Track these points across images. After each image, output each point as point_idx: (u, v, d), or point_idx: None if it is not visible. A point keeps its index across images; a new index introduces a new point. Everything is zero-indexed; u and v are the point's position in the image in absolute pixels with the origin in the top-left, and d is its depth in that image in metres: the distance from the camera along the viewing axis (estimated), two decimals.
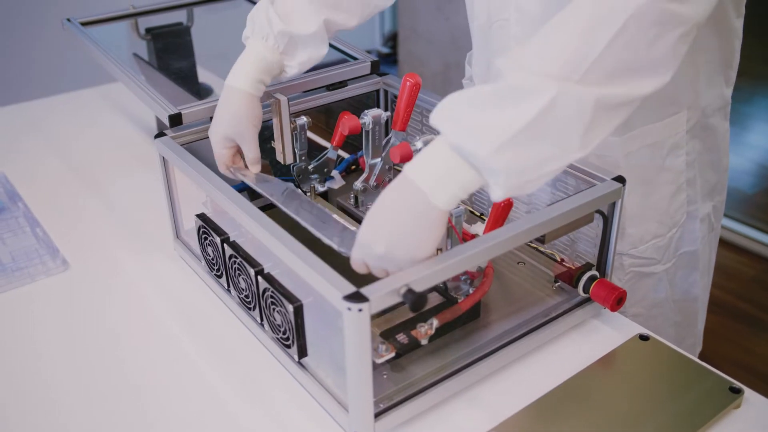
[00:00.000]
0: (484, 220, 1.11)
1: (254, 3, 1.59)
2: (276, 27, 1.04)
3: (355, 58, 1.29)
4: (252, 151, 1.05)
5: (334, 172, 1.18)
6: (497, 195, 0.75)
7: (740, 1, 1.05)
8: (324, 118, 1.35)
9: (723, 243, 2.76)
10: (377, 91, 1.28)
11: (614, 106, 0.74)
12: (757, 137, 3.22)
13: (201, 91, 1.62)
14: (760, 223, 2.76)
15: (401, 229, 0.78)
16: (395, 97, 1.26)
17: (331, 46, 1.38)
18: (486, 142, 0.72)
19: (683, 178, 1.11)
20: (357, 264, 0.83)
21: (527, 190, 0.76)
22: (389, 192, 0.80)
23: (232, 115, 1.04)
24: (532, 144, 0.72)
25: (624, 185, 0.93)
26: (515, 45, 1.08)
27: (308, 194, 1.14)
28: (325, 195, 1.17)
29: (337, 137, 1.14)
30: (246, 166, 1.08)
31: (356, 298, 0.73)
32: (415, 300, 0.74)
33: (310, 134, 1.49)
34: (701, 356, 1.33)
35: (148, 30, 1.54)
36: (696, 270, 1.21)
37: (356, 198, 1.13)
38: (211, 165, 1.11)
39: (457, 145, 0.74)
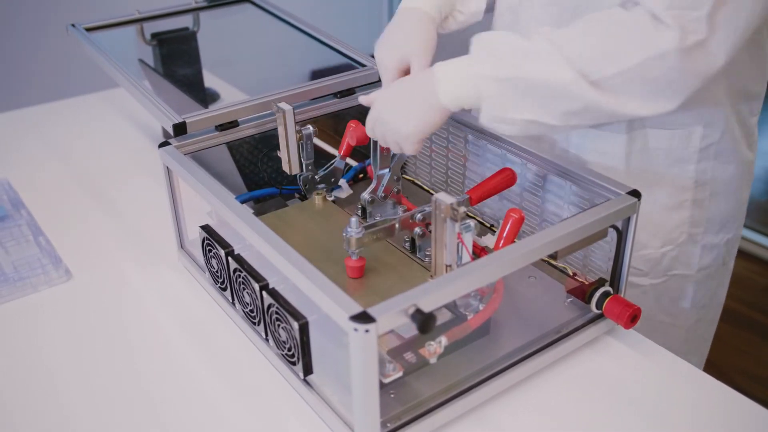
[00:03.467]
0: (495, 231, 1.09)
1: (261, 8, 1.57)
2: None
3: (363, 65, 1.27)
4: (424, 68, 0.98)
5: (342, 181, 1.16)
6: (482, 118, 0.90)
7: None
8: (332, 125, 1.33)
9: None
10: None
11: (605, 114, 0.86)
12: None
13: (207, 98, 1.60)
14: None
15: (402, 96, 0.94)
16: None
17: (338, 52, 1.36)
18: (495, 69, 0.87)
19: (688, 196, 1.07)
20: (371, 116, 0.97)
21: (504, 130, 0.91)
22: (412, 76, 0.95)
23: (407, 34, 0.99)
24: (524, 95, 0.86)
25: (639, 200, 0.91)
26: (536, 27, 1.06)
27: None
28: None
29: (344, 147, 1.12)
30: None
31: (363, 318, 0.71)
32: (423, 321, 0.72)
33: (318, 142, 1.47)
34: (710, 366, 1.30)
35: (154, 35, 1.52)
36: (685, 299, 1.16)
37: (363, 209, 1.10)
38: (217, 175, 1.09)
39: (476, 61, 0.88)
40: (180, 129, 1.07)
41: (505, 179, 1.03)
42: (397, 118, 0.93)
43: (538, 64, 0.85)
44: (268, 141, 1.28)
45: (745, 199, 1.15)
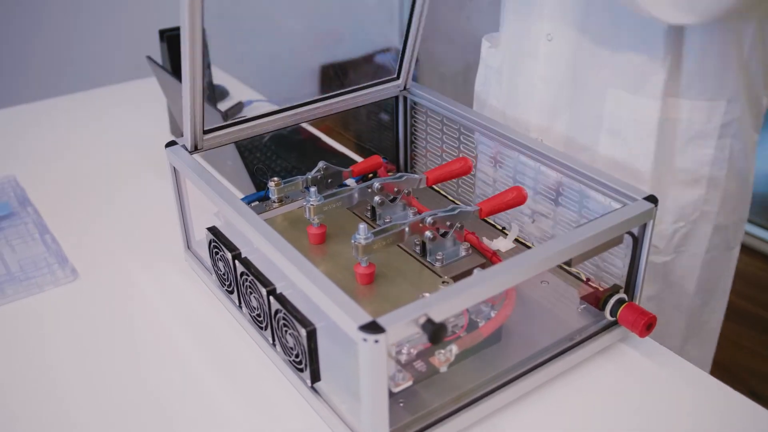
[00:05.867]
0: (506, 234, 1.07)
1: None
2: None
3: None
4: None
5: (350, 181, 1.14)
6: None
7: None
8: (342, 121, 1.30)
9: (742, 248, 2.68)
10: (396, 97, 1.23)
11: None
12: None
13: (216, 95, 1.58)
14: None
15: None
16: (414, 104, 1.22)
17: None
18: None
19: (705, 172, 1.06)
20: None
21: None
22: None
23: None
24: None
25: (656, 205, 0.88)
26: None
27: None
28: None
29: (359, 170, 1.11)
30: None
31: (372, 328, 0.69)
32: (434, 331, 0.70)
33: (327, 139, 1.46)
34: (722, 368, 1.28)
35: (162, 32, 1.50)
36: (691, 279, 1.14)
37: (373, 210, 1.09)
38: (227, 174, 1.07)
39: None
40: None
41: (516, 198, 1.02)
42: None
43: None
44: (279, 139, 1.26)
45: (751, 182, 1.14)
